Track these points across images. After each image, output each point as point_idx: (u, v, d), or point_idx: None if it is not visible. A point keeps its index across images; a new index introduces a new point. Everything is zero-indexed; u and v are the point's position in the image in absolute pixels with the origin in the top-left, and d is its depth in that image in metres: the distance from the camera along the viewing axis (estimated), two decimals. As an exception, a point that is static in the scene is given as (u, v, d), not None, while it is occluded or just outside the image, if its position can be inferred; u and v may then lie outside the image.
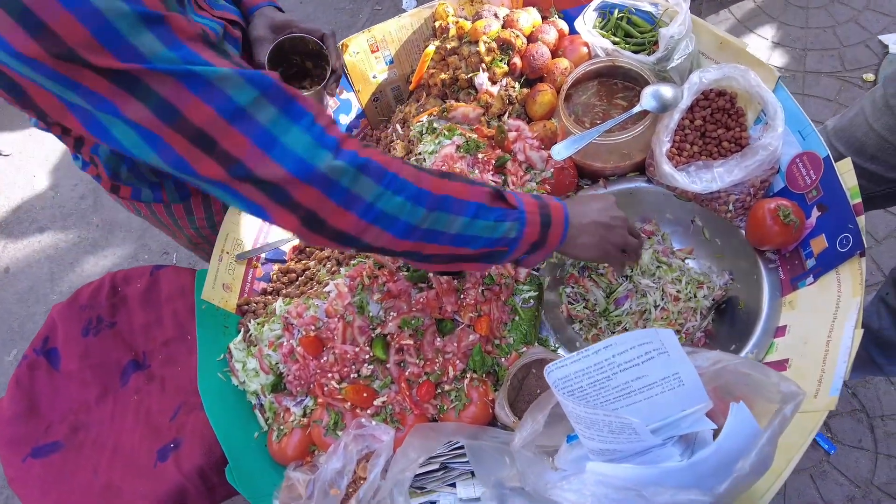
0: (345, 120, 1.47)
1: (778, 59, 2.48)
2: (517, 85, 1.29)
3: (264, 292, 1.31)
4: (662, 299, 1.22)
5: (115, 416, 1.40)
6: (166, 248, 2.86)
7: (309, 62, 1.30)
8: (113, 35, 0.60)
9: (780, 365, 1.04)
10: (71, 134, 1.11)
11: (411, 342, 1.03)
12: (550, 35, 1.32)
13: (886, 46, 2.36)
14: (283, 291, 1.26)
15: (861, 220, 1.02)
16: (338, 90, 1.41)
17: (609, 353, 0.71)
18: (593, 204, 1.01)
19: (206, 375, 1.15)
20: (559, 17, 1.39)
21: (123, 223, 2.91)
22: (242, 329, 1.19)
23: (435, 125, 1.24)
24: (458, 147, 1.17)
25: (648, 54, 1.25)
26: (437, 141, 1.20)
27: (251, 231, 1.33)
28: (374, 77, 1.46)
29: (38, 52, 0.59)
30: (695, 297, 1.22)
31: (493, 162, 1.18)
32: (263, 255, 1.35)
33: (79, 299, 1.50)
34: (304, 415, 1.08)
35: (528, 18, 1.32)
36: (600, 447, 0.77)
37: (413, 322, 1.03)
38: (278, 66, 1.23)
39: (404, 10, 3.43)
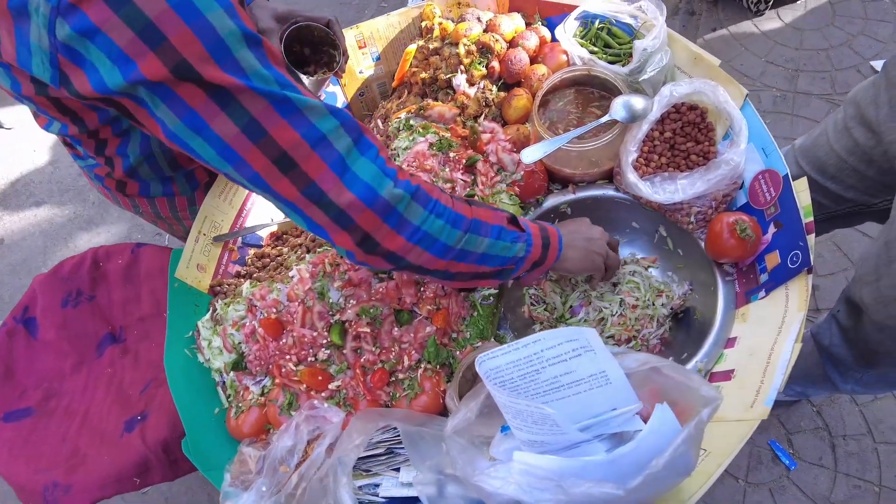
0: (330, 112, 1.51)
1: (770, 77, 2.51)
2: (494, 88, 1.32)
3: (238, 275, 1.35)
4: (621, 306, 1.25)
5: (87, 386, 1.44)
6: (159, 230, 2.90)
7: (307, 49, 1.31)
8: (223, 50, 0.66)
9: (726, 375, 1.07)
10: (97, 136, 1.10)
11: (368, 330, 1.06)
12: (531, 41, 1.35)
13: (877, 72, 2.38)
14: (255, 275, 1.30)
15: (811, 238, 1.05)
16: (326, 84, 1.44)
17: (538, 346, 0.74)
18: (579, 225, 1.13)
19: (173, 351, 1.18)
20: (542, 24, 1.42)
21: (120, 214, 2.96)
22: (211, 308, 1.22)
23: (412, 122, 1.27)
24: (431, 145, 1.21)
25: (624, 65, 1.28)
26: (411, 138, 1.23)
27: (230, 215, 1.36)
28: (361, 72, 1.49)
29: (162, 72, 0.64)
30: (653, 304, 1.25)
31: (464, 161, 1.21)
32: (240, 239, 1.38)
33: (60, 271, 1.53)
34: (262, 394, 1.11)
35: (511, 24, 1.35)
36: (529, 438, 0.80)
37: (372, 311, 1.07)
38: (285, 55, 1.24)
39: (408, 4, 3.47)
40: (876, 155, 1.17)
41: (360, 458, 0.98)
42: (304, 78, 1.22)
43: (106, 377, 1.45)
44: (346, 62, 1.29)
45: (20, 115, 3.30)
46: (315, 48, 1.31)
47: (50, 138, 3.27)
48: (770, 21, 2.64)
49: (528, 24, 1.43)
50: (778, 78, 2.51)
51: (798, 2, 2.65)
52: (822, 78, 2.46)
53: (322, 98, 1.45)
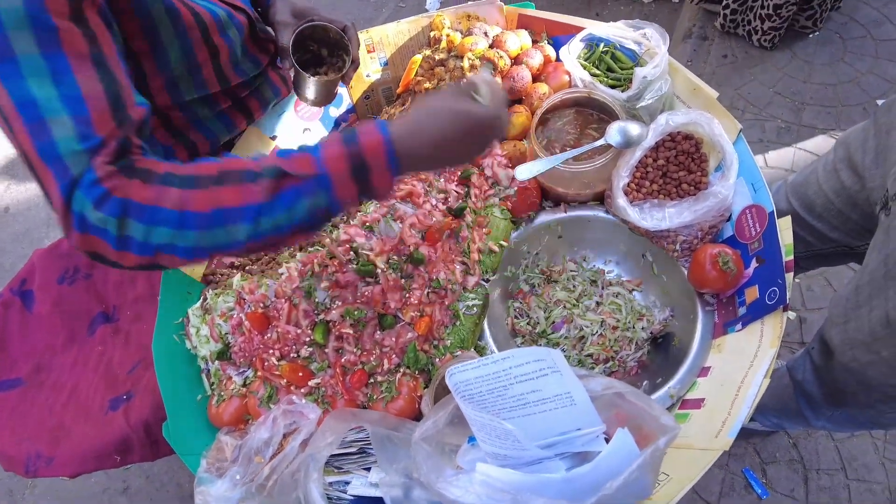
0: (335, 113, 1.53)
1: (776, 108, 2.53)
2: (495, 103, 1.34)
3: (231, 265, 1.38)
4: (601, 326, 1.27)
5: (77, 363, 1.47)
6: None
7: (325, 50, 1.32)
8: None
9: (697, 403, 1.10)
10: None
11: (351, 331, 1.09)
12: (535, 59, 1.37)
13: (883, 112, 2.40)
14: (248, 267, 1.33)
15: (789, 276, 1.07)
16: (335, 87, 1.45)
17: (507, 364, 0.77)
18: (438, 123, 0.82)
19: (162, 335, 1.21)
20: (548, 43, 1.44)
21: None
22: (202, 297, 1.25)
23: (411, 130, 1.29)
24: (428, 154, 1.23)
25: (624, 90, 1.31)
26: (409, 146, 1.26)
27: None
28: (368, 76, 1.52)
29: None
30: (633, 327, 1.27)
31: (459, 174, 1.24)
32: (237, 231, 1.41)
33: (60, 247, 1.57)
34: (244, 385, 1.14)
35: (517, 41, 1.38)
36: (493, 451, 0.83)
37: (356, 313, 1.09)
38: (297, 52, 1.25)
39: (427, 10, 3.50)
40: (860, 199, 1.19)
41: (332, 456, 1.01)
42: (308, 79, 1.24)
43: (96, 355, 1.48)
44: (354, 69, 1.30)
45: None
46: (331, 50, 1.32)
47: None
48: (780, 52, 2.66)
49: (534, 42, 1.45)
50: (784, 109, 2.53)
51: (810, 36, 2.67)
52: (828, 113, 2.48)
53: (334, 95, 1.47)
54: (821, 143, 2.43)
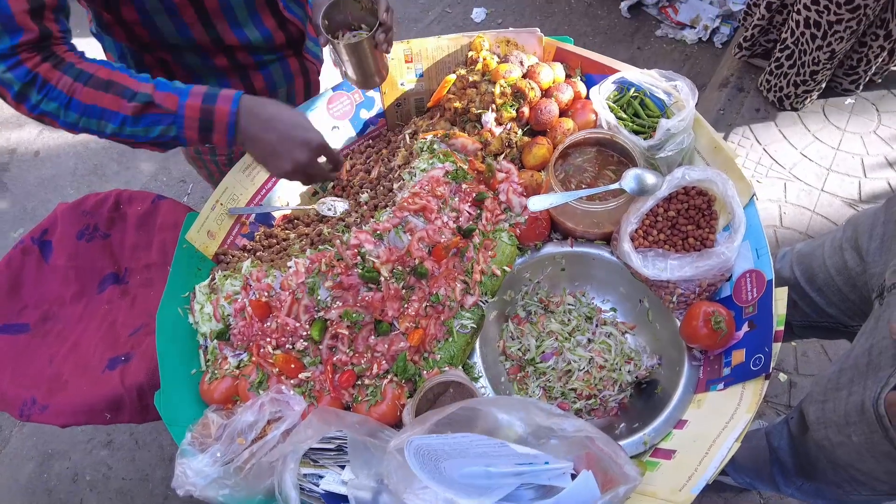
0: (365, 115, 1.57)
1: (801, 170, 2.54)
2: (519, 132, 1.38)
3: (244, 248, 1.42)
4: (589, 364, 1.30)
5: (83, 318, 1.53)
6: (185, 178, 3.00)
7: (364, 25, 1.27)
8: None
9: (668, 454, 1.12)
10: None
11: (347, 332, 1.13)
12: (565, 94, 1.40)
13: (906, 191, 2.40)
14: (259, 253, 1.37)
15: (777, 346, 1.10)
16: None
17: (467, 440, 0.81)
18: (279, 115, 1.07)
19: (167, 306, 1.26)
20: (581, 80, 1.47)
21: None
22: (211, 275, 1.30)
23: (435, 146, 1.33)
24: (447, 173, 1.27)
25: (646, 138, 1.33)
26: (431, 161, 1.30)
27: (249, 191, 1.44)
28: (402, 84, 1.56)
29: None
30: (620, 369, 1.30)
31: (474, 195, 1.28)
32: (253, 216, 1.46)
33: (83, 204, 1.62)
34: (238, 367, 1.18)
35: (550, 74, 1.41)
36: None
37: (354, 315, 1.13)
38: (333, 29, 1.24)
39: (472, 19, 3.54)
40: (860, 282, 1.21)
41: (311, 449, 1.05)
42: (338, 44, 1.19)
43: (101, 313, 1.54)
44: (386, 32, 1.23)
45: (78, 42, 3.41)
46: (368, 24, 1.26)
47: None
48: (814, 115, 2.66)
49: (567, 77, 1.48)
50: (809, 172, 2.53)
51: (847, 103, 2.67)
52: (852, 183, 2.48)
53: (361, 101, 1.51)
54: (840, 212, 2.43)
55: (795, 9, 2.33)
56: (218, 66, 1.33)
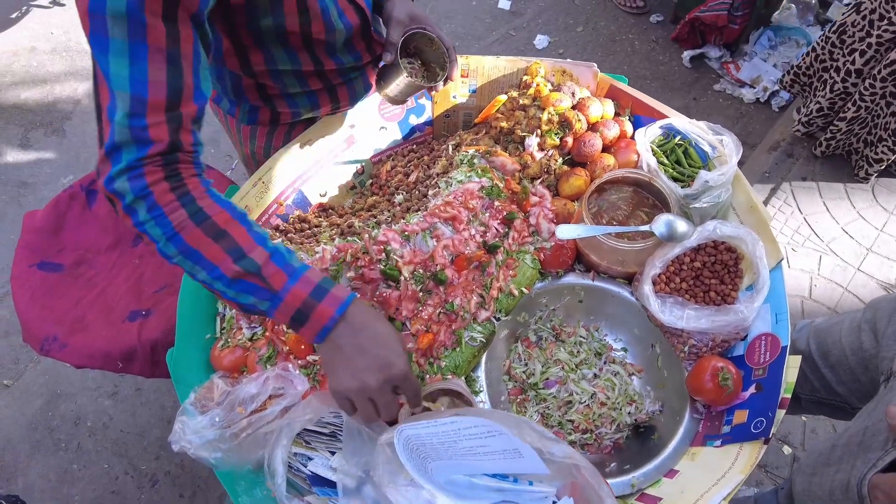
0: (414, 120, 1.62)
1: (840, 245, 2.50)
2: (560, 160, 1.40)
3: (276, 228, 1.47)
4: (591, 398, 1.31)
5: (114, 267, 1.59)
6: (231, 153, 3.09)
7: (419, 59, 1.39)
8: None
9: (654, 500, 1.12)
10: None
11: (360, 324, 1.16)
12: (611, 131, 1.42)
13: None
14: (290, 235, 1.41)
15: (781, 413, 1.09)
16: (419, 92, 1.52)
17: (455, 426, 0.82)
18: (370, 339, 0.94)
19: (195, 270, 1.31)
20: (629, 119, 1.49)
21: (207, 118, 3.17)
22: (241, 248, 1.34)
23: (475, 161, 1.36)
24: (483, 188, 1.30)
25: (684, 186, 1.34)
26: (469, 174, 1.33)
27: (291, 174, 1.48)
28: (454, 97, 1.60)
29: None
30: (620, 409, 1.30)
31: (504, 214, 1.30)
32: (291, 198, 1.50)
33: (134, 161, 1.69)
34: (251, 339, 1.22)
35: (599, 109, 1.43)
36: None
37: (369, 309, 1.16)
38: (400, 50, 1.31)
39: (534, 45, 3.58)
40: (872, 364, 1.20)
41: (305, 430, 1.08)
42: (403, 75, 1.29)
43: (131, 266, 1.60)
44: (443, 85, 1.35)
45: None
46: (427, 61, 1.38)
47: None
48: (862, 192, 2.63)
49: (616, 114, 1.50)
50: (847, 249, 2.50)
51: (897, 185, 2.63)
52: (890, 267, 2.43)
53: (412, 106, 1.55)
54: (873, 294, 2.38)
55: (866, 84, 2.31)
56: (312, 88, 1.37)
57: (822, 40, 2.54)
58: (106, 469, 2.24)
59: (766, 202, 2.61)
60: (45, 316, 1.46)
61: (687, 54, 3.43)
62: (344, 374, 0.94)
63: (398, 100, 1.39)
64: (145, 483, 2.21)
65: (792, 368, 1.13)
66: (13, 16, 3.62)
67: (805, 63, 2.65)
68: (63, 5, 3.68)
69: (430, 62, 1.38)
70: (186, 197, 0.90)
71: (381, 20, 1.39)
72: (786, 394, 1.11)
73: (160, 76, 0.85)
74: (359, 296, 1.03)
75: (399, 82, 1.32)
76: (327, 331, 0.93)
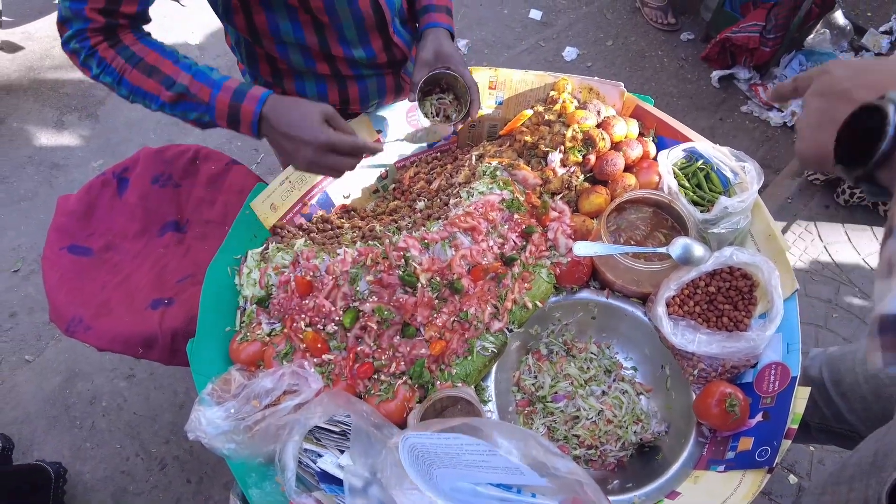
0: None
1: (858, 276, 2.48)
2: (581, 177, 1.42)
3: (300, 227, 1.50)
4: (598, 415, 1.32)
5: (139, 255, 1.64)
6: (258, 147, 3.14)
7: (450, 94, 1.46)
8: None
9: (654, 520, 1.13)
10: None
11: (375, 327, 1.19)
12: (634, 151, 1.44)
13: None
14: (312, 234, 1.45)
15: (786, 443, 1.09)
16: (445, 130, 1.61)
17: (458, 442, 0.85)
18: (294, 112, 1.14)
19: (219, 263, 1.34)
20: (653, 140, 1.50)
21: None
22: (265, 245, 1.38)
23: (497, 173, 1.39)
24: (503, 200, 1.32)
25: (703, 211, 1.35)
26: (490, 186, 1.35)
27: (316, 175, 1.51)
28: (480, 109, 1.62)
29: None
30: (626, 428, 1.31)
31: (523, 227, 1.32)
32: (316, 198, 1.53)
33: (165, 152, 1.74)
34: (269, 334, 1.25)
35: (624, 129, 1.45)
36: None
37: (386, 313, 1.19)
38: (426, 84, 1.39)
39: (562, 56, 3.59)
40: (885, 393, 1.20)
41: (317, 427, 1.11)
42: (422, 116, 1.39)
43: (156, 255, 1.64)
44: (463, 122, 1.42)
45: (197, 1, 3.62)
46: (454, 94, 1.45)
47: (209, 25, 3.60)
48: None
49: (640, 134, 1.51)
50: (867, 281, 2.48)
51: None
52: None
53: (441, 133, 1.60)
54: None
55: None
56: (320, 72, 1.42)
57: None
58: (118, 449, 2.29)
59: (786, 228, 2.60)
60: (73, 298, 1.51)
61: (716, 74, 3.41)
62: (288, 157, 1.17)
63: (431, 132, 1.49)
64: (154, 466, 2.26)
65: (801, 400, 1.14)
66: (56, 1, 3.70)
67: None
68: (103, -7, 3.77)
69: (460, 96, 1.42)
70: (122, 47, 1.13)
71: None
72: (793, 424, 1.11)
73: None
74: (274, 92, 1.17)
75: (423, 121, 1.42)
76: (256, 125, 1.15)
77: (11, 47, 3.49)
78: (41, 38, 3.57)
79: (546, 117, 1.46)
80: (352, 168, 1.21)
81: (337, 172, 1.20)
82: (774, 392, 1.19)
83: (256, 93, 1.14)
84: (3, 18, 3.47)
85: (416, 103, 1.37)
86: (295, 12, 1.28)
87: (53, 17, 3.62)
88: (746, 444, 1.16)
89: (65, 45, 1.12)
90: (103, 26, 1.10)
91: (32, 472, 2.08)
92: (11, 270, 2.74)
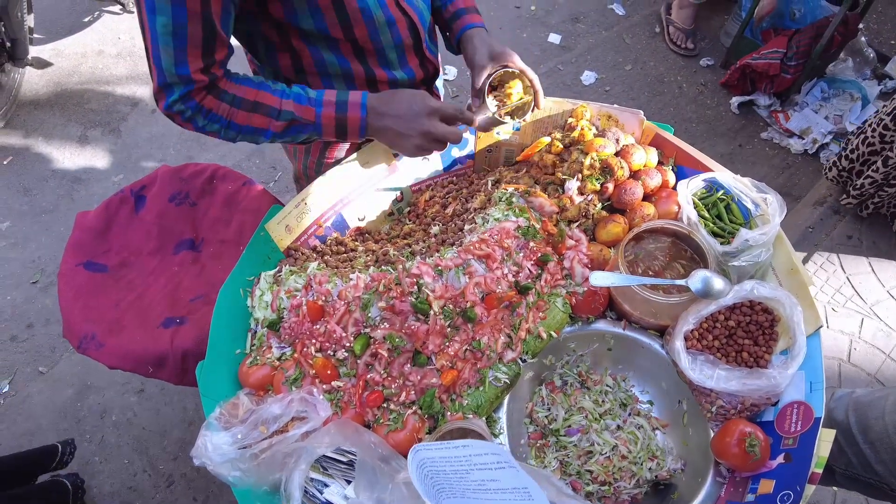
0: (456, 153, 1.63)
1: (884, 309, 2.41)
2: (599, 206, 1.40)
3: (314, 249, 1.50)
4: (613, 450, 1.28)
5: (153, 272, 1.64)
6: (275, 165, 3.17)
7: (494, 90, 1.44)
8: None
9: (670, 564, 1.09)
10: None
11: (386, 354, 1.17)
12: (653, 180, 1.41)
13: None
14: (326, 257, 1.44)
15: (811, 488, 1.05)
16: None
17: (467, 451, 0.82)
18: (396, 105, 1.24)
19: (232, 284, 1.34)
20: (672, 169, 1.48)
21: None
22: (278, 267, 1.37)
23: (513, 199, 1.37)
24: (519, 227, 1.30)
25: (724, 243, 1.32)
26: (506, 212, 1.33)
27: (332, 197, 1.51)
28: (498, 134, 1.61)
29: None
30: (641, 464, 1.27)
31: (539, 255, 1.30)
32: (331, 221, 1.53)
33: (183, 172, 1.75)
34: (279, 359, 1.24)
35: (643, 157, 1.43)
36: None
37: (397, 340, 1.17)
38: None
39: (581, 80, 3.60)
40: (915, 445, 1.15)
41: (324, 456, 1.09)
42: (490, 108, 1.36)
43: (170, 273, 1.65)
44: (524, 116, 1.40)
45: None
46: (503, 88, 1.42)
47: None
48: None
49: (660, 163, 1.49)
50: (892, 313, 2.41)
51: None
52: (936, 337, 2.34)
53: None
54: (915, 364, 2.29)
55: None
56: (352, 69, 1.38)
57: (875, 124, 2.45)
58: (126, 464, 2.29)
59: (808, 259, 2.55)
60: (86, 315, 1.51)
61: (735, 100, 3.39)
62: (401, 145, 1.27)
63: (483, 129, 1.44)
64: (161, 483, 2.24)
65: (825, 443, 1.09)
66: (86, 19, 3.80)
67: (851, 145, 2.58)
68: (132, 12, 3.85)
69: (510, 91, 1.40)
70: (223, 94, 1.17)
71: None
72: (817, 468, 1.07)
73: (197, 32, 1.06)
74: (368, 92, 1.27)
75: (484, 118, 1.38)
76: (364, 129, 1.25)
77: (41, 63, 3.57)
78: (70, 54, 3.65)
79: (563, 143, 1.45)
80: (457, 138, 1.27)
81: (449, 141, 1.27)
82: (797, 433, 1.14)
83: (356, 99, 1.24)
84: (35, 35, 3.56)
85: (484, 103, 1.35)
86: (336, 43, 1.30)
87: (83, 34, 3.72)
88: (767, 486, 1.12)
89: (168, 108, 1.14)
90: (207, 84, 1.14)
91: (52, 488, 2.08)
92: (30, 282, 2.77)
